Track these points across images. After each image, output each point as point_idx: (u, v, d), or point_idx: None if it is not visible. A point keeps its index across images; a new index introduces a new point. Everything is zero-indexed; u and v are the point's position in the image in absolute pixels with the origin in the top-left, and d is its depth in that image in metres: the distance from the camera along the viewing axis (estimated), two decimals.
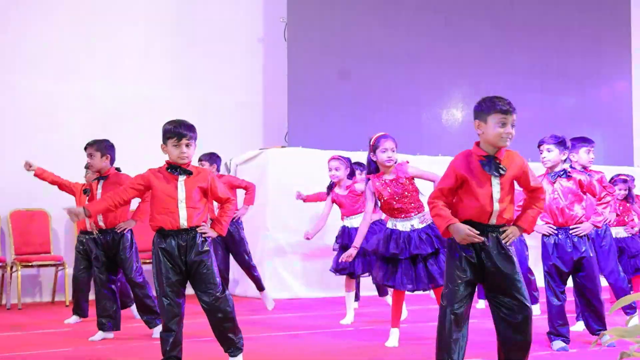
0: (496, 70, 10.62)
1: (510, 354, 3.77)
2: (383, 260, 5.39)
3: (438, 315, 3.79)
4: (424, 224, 5.37)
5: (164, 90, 9.34)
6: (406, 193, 5.38)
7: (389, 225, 5.45)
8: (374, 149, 5.41)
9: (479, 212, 3.73)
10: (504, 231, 3.76)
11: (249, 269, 7.61)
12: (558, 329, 5.20)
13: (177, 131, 4.37)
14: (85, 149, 5.99)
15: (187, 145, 4.39)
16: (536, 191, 3.84)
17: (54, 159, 8.60)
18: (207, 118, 8.91)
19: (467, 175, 3.73)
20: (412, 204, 5.41)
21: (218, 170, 7.71)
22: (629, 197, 7.50)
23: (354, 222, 6.68)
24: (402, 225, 5.36)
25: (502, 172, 3.71)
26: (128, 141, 8.76)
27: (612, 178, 7.60)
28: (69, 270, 8.26)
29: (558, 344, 5.15)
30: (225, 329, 4.43)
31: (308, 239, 7.08)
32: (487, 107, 3.75)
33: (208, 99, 9.55)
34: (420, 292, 5.65)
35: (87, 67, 8.99)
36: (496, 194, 3.72)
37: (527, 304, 3.73)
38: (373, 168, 5.46)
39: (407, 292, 5.47)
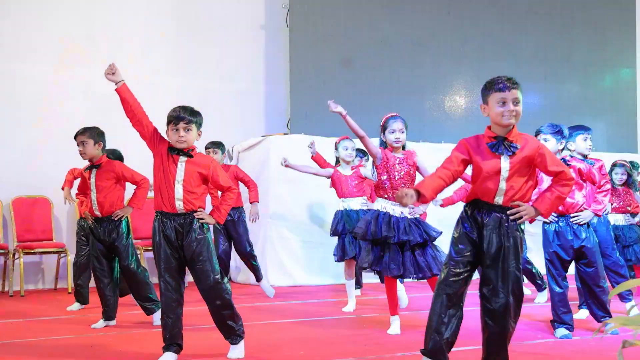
0: (499, 57, 10.58)
1: (487, 342, 3.73)
2: (371, 244, 5.35)
3: (432, 295, 3.82)
4: (412, 217, 5.36)
5: (165, 78, 9.32)
6: (408, 177, 5.37)
7: (378, 206, 5.39)
8: (383, 129, 5.44)
9: (484, 191, 3.71)
10: (512, 213, 3.70)
11: (249, 259, 7.61)
12: (561, 316, 5.18)
13: (175, 115, 4.38)
14: (76, 137, 5.86)
15: (185, 130, 4.36)
16: (560, 175, 3.74)
17: (54, 146, 8.62)
18: (208, 105, 8.88)
19: (474, 152, 3.73)
20: None
21: (231, 159, 7.70)
22: (629, 183, 7.47)
23: (351, 204, 6.70)
24: (393, 210, 5.32)
25: (513, 150, 3.68)
26: (128, 129, 8.75)
27: (612, 164, 7.59)
28: (72, 257, 8.27)
29: (561, 331, 5.15)
30: (225, 317, 4.43)
31: (286, 165, 7.10)
32: (487, 88, 3.76)
33: (210, 86, 9.53)
34: (413, 280, 5.63)
35: (87, 55, 8.96)
36: (505, 172, 3.67)
37: (509, 294, 3.66)
38: (383, 149, 5.46)
39: (406, 280, 5.46)
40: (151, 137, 4.44)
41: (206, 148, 7.49)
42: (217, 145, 7.54)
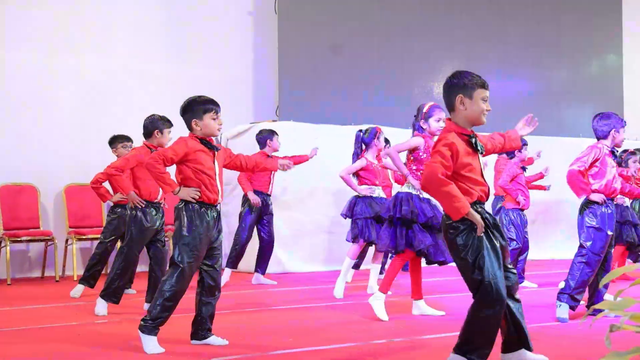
0: (488, 43, 10.57)
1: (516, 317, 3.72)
2: (410, 225, 5.36)
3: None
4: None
5: (154, 65, 9.25)
6: None
7: (408, 189, 5.44)
8: (426, 116, 5.44)
9: (484, 192, 3.63)
10: None
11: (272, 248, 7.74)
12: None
13: (214, 105, 4.50)
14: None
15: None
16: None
17: (43, 134, 8.58)
18: (197, 92, 8.66)
19: (464, 155, 3.56)
20: None
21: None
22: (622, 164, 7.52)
23: (379, 191, 6.74)
24: (420, 192, 5.39)
25: (482, 149, 3.66)
26: (119, 116, 8.73)
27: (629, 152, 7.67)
28: (59, 246, 8.25)
29: (562, 312, 5.26)
30: (213, 308, 4.50)
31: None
32: (472, 82, 3.60)
33: (198, 73, 9.47)
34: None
35: (78, 42, 8.88)
36: (482, 172, 3.67)
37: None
38: (413, 134, 5.51)
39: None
40: (185, 156, 4.44)
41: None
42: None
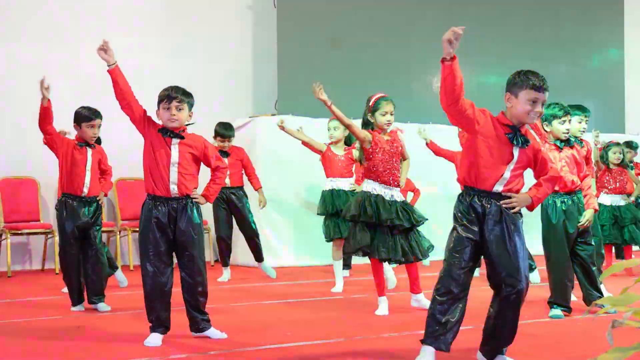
0: (488, 37, 10.54)
1: (500, 332, 3.67)
2: (362, 226, 5.30)
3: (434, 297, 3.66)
4: (401, 199, 5.37)
5: (152, 59, 9.22)
6: (395, 159, 5.35)
7: (368, 188, 5.32)
8: (372, 110, 5.34)
9: (484, 177, 3.60)
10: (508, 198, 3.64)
11: (255, 237, 7.53)
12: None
13: (167, 93, 4.35)
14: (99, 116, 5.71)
15: (177, 109, 4.33)
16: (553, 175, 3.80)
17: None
18: (196, 86, 8.67)
19: (488, 132, 3.59)
20: (397, 173, 5.38)
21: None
22: (624, 163, 7.50)
23: (339, 184, 6.70)
24: (384, 193, 5.30)
25: (525, 144, 3.64)
26: (115, 111, 8.68)
27: (607, 143, 7.62)
28: (59, 238, 8.23)
29: (556, 311, 5.20)
30: (201, 304, 4.44)
31: (281, 127, 7.11)
32: (520, 81, 3.62)
33: (197, 67, 9.45)
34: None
35: (73, 35, 8.85)
36: (513, 163, 3.62)
37: (522, 281, 3.58)
38: (365, 127, 5.39)
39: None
40: (141, 120, 4.39)
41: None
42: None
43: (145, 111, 4.40)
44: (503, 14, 10.88)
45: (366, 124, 5.40)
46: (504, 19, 10.87)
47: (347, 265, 7.63)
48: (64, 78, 8.72)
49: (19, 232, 8.07)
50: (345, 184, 6.78)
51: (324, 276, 7.62)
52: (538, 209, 4.59)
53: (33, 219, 8.39)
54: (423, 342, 3.66)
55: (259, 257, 7.54)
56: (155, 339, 4.31)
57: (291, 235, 8.76)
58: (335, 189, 6.75)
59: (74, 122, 5.73)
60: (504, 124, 3.64)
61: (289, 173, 8.58)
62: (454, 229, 3.69)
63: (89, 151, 5.71)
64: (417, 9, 10.23)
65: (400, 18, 10.06)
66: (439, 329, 3.60)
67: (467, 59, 10.59)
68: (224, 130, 7.47)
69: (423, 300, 5.52)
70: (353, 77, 9.58)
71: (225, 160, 7.00)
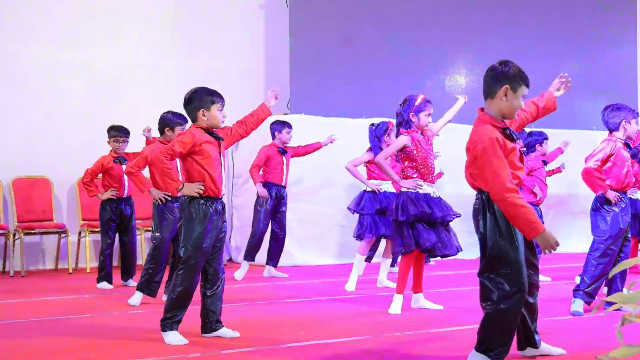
0: (500, 36, 10.51)
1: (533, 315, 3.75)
2: (423, 225, 5.31)
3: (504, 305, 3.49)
4: (438, 195, 5.44)
5: (165, 59, 9.26)
6: (432, 156, 5.43)
7: (411, 186, 5.35)
8: (417, 110, 5.41)
9: (520, 177, 3.60)
10: None
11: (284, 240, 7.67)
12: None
13: (219, 95, 4.55)
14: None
15: None
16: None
17: (54, 126, 8.62)
18: (208, 85, 8.72)
19: (504, 148, 3.51)
20: (434, 169, 5.50)
21: None
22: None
23: (386, 186, 6.71)
24: (427, 189, 5.37)
25: (518, 138, 3.66)
26: (130, 109, 8.75)
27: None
28: (72, 238, 8.30)
29: (577, 306, 5.22)
30: (220, 300, 4.49)
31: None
32: (520, 78, 3.59)
33: (209, 67, 9.47)
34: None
35: (87, 35, 8.91)
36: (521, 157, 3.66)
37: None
38: (404, 125, 5.45)
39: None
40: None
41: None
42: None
43: (182, 149, 4.38)
44: (515, 12, 10.84)
45: (406, 123, 5.44)
46: (515, 18, 10.83)
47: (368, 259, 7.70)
48: (79, 77, 8.78)
49: (33, 231, 8.12)
50: (387, 185, 6.76)
51: (335, 275, 7.62)
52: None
53: (46, 218, 8.43)
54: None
55: (277, 261, 7.67)
56: (180, 337, 4.33)
57: (302, 233, 8.76)
58: (387, 190, 6.71)
59: (166, 126, 5.86)
60: (499, 126, 3.57)
61: (301, 171, 8.58)
62: None
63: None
64: (430, 7, 10.20)
65: (413, 16, 10.04)
66: None
67: (479, 58, 10.60)
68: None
69: (422, 301, 5.52)
70: (365, 76, 9.58)
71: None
